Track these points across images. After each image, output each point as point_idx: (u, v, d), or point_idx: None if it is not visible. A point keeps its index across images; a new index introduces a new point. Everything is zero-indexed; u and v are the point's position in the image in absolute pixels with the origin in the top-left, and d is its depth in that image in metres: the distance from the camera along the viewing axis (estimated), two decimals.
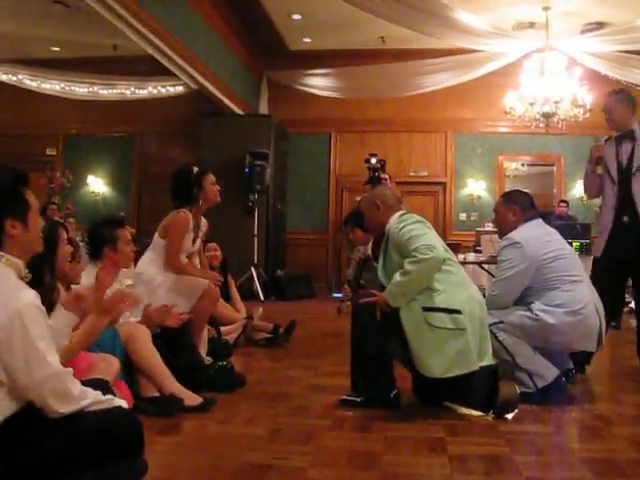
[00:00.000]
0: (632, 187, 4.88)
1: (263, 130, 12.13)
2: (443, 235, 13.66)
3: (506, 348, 4.06)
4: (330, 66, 12.53)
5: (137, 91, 12.96)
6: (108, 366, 3.24)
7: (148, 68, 11.82)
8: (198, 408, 3.66)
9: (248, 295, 10.80)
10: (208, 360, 4.76)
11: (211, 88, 10.99)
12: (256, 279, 11.18)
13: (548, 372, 4.12)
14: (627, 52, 11.12)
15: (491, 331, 3.94)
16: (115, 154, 14.26)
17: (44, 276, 3.05)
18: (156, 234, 4.81)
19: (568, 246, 4.44)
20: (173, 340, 4.18)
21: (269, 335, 6.29)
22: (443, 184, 13.78)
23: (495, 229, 5.53)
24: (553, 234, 4.39)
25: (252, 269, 11.21)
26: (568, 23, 11.18)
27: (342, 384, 4.10)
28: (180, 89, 12.51)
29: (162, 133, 13.78)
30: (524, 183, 14.21)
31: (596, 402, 4.31)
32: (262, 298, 10.98)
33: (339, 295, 9.54)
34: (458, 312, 3.69)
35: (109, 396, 2.59)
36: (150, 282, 4.62)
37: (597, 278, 4.76)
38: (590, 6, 10.82)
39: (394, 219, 4.02)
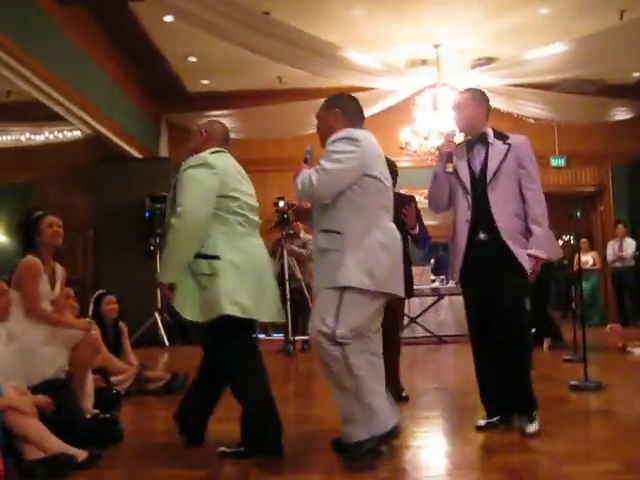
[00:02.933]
0: (489, 198, 4.21)
1: (163, 173, 11.98)
2: None
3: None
4: (229, 107, 12.54)
5: (33, 137, 12.72)
6: None
7: (44, 113, 11.60)
8: (84, 464, 3.54)
9: (153, 341, 10.65)
10: (94, 412, 4.65)
11: (107, 133, 10.86)
12: (160, 325, 11.01)
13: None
14: (515, 85, 11.54)
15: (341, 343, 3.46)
16: (13, 202, 13.90)
17: None
18: (12, 290, 4.64)
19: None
20: (53, 394, 4.06)
21: (161, 383, 6.20)
22: None
23: None
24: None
25: (156, 314, 11.04)
26: (458, 59, 11.55)
27: (229, 430, 4.05)
28: (77, 134, 12.35)
29: (62, 179, 13.50)
30: (427, 215, 14.46)
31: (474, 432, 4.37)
32: (167, 344, 10.81)
33: None
34: (217, 258, 3.71)
35: None
36: (19, 339, 4.45)
37: (472, 318, 4.40)
38: (479, 43, 11.24)
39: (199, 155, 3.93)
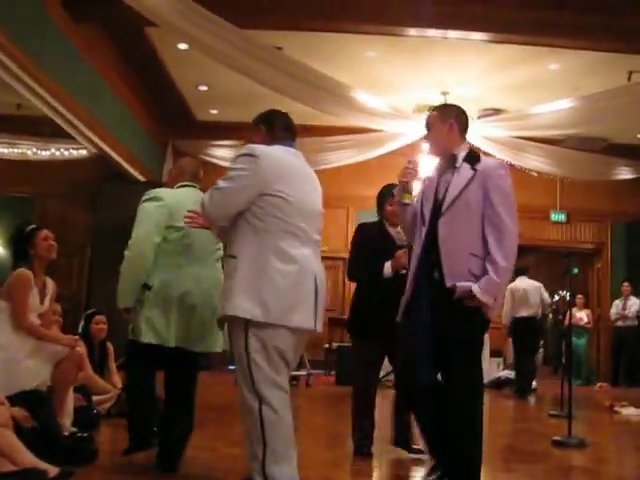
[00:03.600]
0: (438, 231, 3.61)
1: None
2: (341, 310, 13.75)
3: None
4: (236, 138, 12.62)
5: (39, 152, 12.78)
6: None
7: (52, 129, 11.67)
8: None
9: None
10: (72, 430, 4.62)
11: (112, 153, 10.92)
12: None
13: None
14: (520, 138, 11.63)
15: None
16: (13, 214, 13.92)
17: None
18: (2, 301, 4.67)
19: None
20: (30, 406, 4.05)
21: None
22: (343, 259, 13.89)
23: None
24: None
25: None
26: (465, 108, 11.53)
27: (198, 455, 4.02)
28: (84, 152, 12.39)
29: (63, 195, 13.54)
30: None
31: None
32: None
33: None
34: (148, 288, 4.01)
35: None
36: (8, 349, 4.44)
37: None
38: (487, 93, 11.35)
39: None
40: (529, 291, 10.86)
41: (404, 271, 4.59)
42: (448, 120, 3.77)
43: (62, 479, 3.54)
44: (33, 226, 4.87)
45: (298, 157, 3.53)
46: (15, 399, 3.99)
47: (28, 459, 3.54)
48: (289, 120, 3.69)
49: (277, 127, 3.60)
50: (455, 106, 3.98)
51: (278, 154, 3.40)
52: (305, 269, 3.30)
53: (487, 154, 11.77)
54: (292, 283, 3.23)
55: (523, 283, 10.95)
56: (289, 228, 3.30)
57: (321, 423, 7.19)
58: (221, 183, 3.34)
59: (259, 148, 3.35)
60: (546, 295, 11.19)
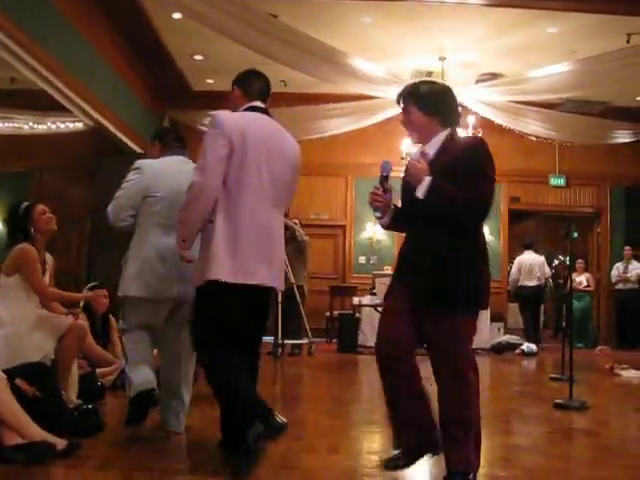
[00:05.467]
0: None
1: None
2: (342, 278, 13.80)
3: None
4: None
5: (35, 126, 12.71)
6: None
7: (48, 103, 11.59)
8: (62, 453, 3.54)
9: None
10: (77, 402, 4.65)
11: (109, 126, 10.84)
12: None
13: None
14: (518, 102, 11.57)
15: None
16: (11, 190, 13.87)
17: None
18: (1, 278, 4.67)
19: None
20: (33, 377, 4.07)
21: None
22: (343, 227, 13.94)
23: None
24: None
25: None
26: (463, 73, 11.58)
27: (201, 425, 4.05)
28: (80, 125, 12.32)
29: (61, 169, 13.50)
30: None
31: None
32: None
33: None
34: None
35: None
36: (6, 325, 4.46)
37: None
38: (485, 58, 11.27)
39: None
40: (534, 264, 12.65)
41: None
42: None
43: (70, 452, 3.56)
44: (27, 203, 4.87)
45: (185, 163, 4.39)
46: (18, 371, 4.01)
47: (36, 432, 3.57)
48: (179, 133, 4.68)
49: (167, 141, 4.56)
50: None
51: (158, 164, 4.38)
52: (167, 251, 4.11)
53: (486, 119, 11.76)
54: (164, 265, 4.20)
55: (530, 257, 12.76)
56: (159, 221, 4.21)
57: (324, 391, 7.23)
58: (117, 192, 4.34)
59: (141, 162, 4.35)
60: (547, 269, 13.10)
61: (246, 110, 3.82)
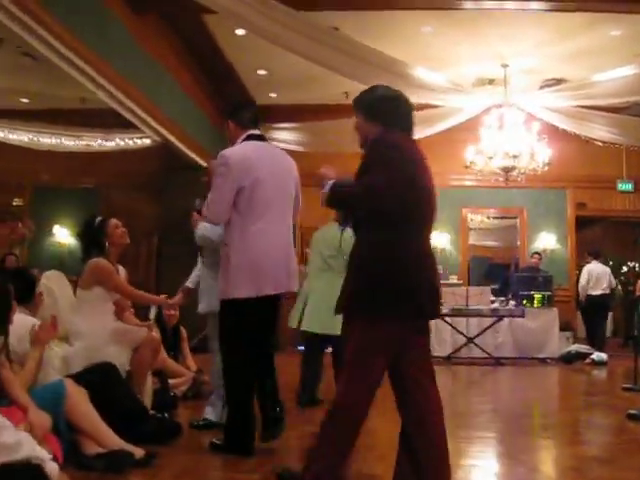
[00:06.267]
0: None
1: None
2: None
3: None
4: (295, 120, 12.69)
5: (104, 143, 13.04)
6: (39, 419, 3.26)
7: (115, 120, 11.88)
8: (141, 462, 3.64)
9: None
10: (151, 413, 4.76)
11: (176, 142, 11.06)
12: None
13: None
14: (583, 107, 11.40)
15: None
16: (81, 205, 14.23)
17: None
18: (78, 291, 4.84)
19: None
20: (112, 391, 4.18)
21: None
22: None
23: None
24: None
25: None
26: (526, 79, 11.47)
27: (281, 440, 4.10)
28: (147, 142, 12.60)
29: (128, 185, 13.81)
30: (489, 236, 14.40)
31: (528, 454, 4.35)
32: None
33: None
34: None
35: (42, 451, 2.67)
36: (85, 337, 4.61)
37: None
38: (548, 63, 11.13)
39: None
40: (601, 274, 12.72)
41: None
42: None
43: (147, 461, 3.66)
44: (100, 218, 5.03)
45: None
46: (86, 372, 4.20)
47: (115, 441, 3.68)
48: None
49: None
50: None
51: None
52: None
53: (550, 125, 11.64)
54: None
55: (597, 267, 12.80)
56: None
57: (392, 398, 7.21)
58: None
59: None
60: (613, 279, 13.08)
61: (245, 140, 4.32)
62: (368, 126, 3.38)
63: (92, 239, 4.96)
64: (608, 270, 12.90)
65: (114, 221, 5.07)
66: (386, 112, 3.38)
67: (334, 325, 4.31)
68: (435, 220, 3.38)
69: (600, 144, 12.36)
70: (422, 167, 3.33)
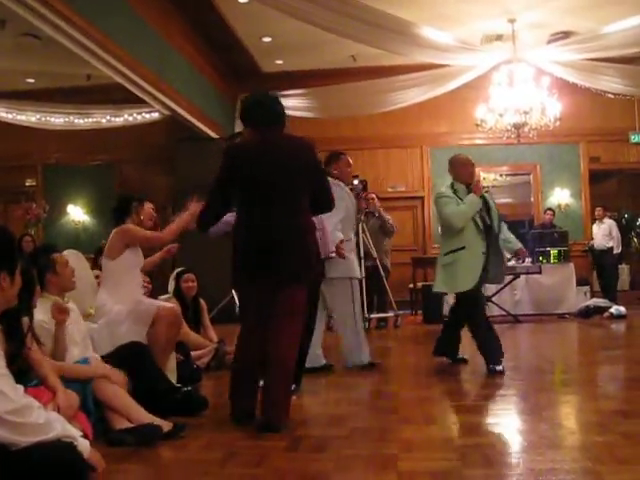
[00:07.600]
0: None
1: None
2: (423, 249, 13.77)
3: None
4: (303, 86, 12.59)
5: (113, 119, 13.02)
6: (68, 400, 3.30)
7: (123, 96, 11.83)
8: (170, 434, 3.68)
9: (231, 317, 10.81)
10: (176, 387, 4.79)
11: (184, 114, 11.03)
12: (237, 301, 11.14)
13: None
14: (593, 59, 11.26)
15: None
16: (94, 182, 14.31)
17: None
18: (104, 261, 4.89)
19: None
20: (137, 366, 4.21)
21: None
22: (421, 198, 13.88)
23: None
24: None
25: (233, 291, 11.19)
26: (534, 34, 11.33)
27: (304, 403, 4.14)
28: (155, 115, 12.57)
29: (140, 160, 13.84)
30: (503, 193, 14.33)
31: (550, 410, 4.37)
32: None
33: None
34: None
35: (72, 429, 2.72)
36: (109, 313, 4.66)
37: None
38: (555, 16, 10.97)
39: None
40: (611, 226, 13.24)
41: None
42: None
43: (176, 433, 3.70)
44: (138, 196, 5.21)
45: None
46: (115, 353, 4.26)
47: (143, 415, 3.72)
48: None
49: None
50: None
51: None
52: None
53: (560, 79, 11.50)
54: None
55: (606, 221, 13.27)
56: None
57: (413, 362, 7.27)
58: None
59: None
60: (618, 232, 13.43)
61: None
62: (246, 131, 4.32)
63: (122, 214, 5.02)
64: (613, 222, 13.29)
65: (149, 204, 5.31)
66: (253, 116, 4.19)
67: None
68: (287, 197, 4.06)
69: (611, 96, 12.24)
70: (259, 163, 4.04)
